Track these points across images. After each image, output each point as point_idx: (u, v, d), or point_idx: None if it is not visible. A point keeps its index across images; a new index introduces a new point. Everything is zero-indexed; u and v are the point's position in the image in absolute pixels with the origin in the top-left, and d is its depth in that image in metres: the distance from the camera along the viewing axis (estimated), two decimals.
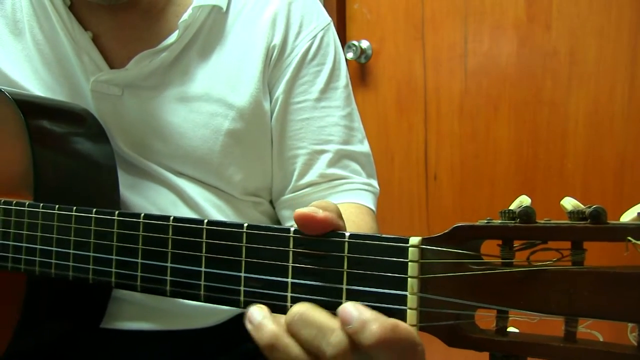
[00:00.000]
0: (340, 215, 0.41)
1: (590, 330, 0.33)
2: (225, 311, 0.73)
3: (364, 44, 1.67)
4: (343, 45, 1.66)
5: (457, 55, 1.55)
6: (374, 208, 0.76)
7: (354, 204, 0.74)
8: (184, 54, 0.72)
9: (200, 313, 0.72)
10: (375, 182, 0.79)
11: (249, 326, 0.40)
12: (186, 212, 0.71)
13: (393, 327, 0.35)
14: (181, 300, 0.69)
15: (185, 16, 0.69)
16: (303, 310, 0.38)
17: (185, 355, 0.73)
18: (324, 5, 1.72)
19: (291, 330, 0.38)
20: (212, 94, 0.71)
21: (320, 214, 0.40)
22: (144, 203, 0.70)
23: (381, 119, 1.69)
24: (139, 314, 0.70)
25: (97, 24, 0.71)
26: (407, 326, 0.36)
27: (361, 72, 1.71)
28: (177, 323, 0.71)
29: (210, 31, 0.72)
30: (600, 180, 1.39)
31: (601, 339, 0.33)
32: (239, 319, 0.62)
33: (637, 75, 1.34)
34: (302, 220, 0.40)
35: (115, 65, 0.71)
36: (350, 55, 1.66)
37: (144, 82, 0.71)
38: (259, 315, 0.39)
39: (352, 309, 0.36)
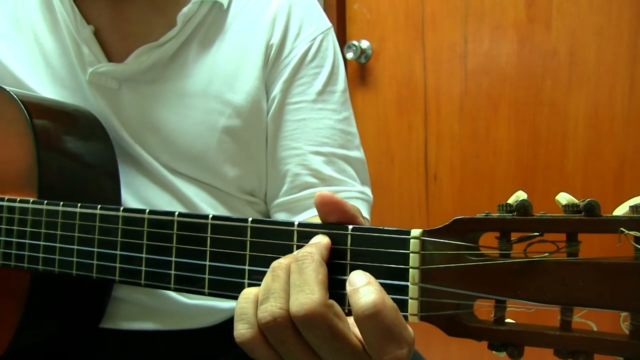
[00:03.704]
0: (361, 214, 0.43)
1: (585, 320, 0.34)
2: (225, 310, 0.73)
3: (364, 44, 1.67)
4: (343, 46, 1.67)
5: (457, 56, 1.55)
6: (368, 217, 0.76)
7: None
8: (183, 49, 0.72)
9: (200, 313, 0.72)
10: (369, 190, 0.78)
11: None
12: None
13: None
14: (181, 299, 0.69)
15: (184, 9, 0.70)
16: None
17: (184, 355, 0.73)
18: (324, 6, 1.72)
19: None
20: (209, 91, 0.71)
21: (340, 198, 0.41)
22: (140, 204, 0.70)
23: (381, 119, 1.69)
24: (139, 314, 0.70)
25: (99, 18, 0.71)
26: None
27: (361, 72, 1.71)
28: (177, 323, 0.71)
29: (210, 27, 0.73)
30: (600, 180, 1.40)
31: (595, 329, 0.34)
32: None
33: (637, 75, 1.34)
34: (321, 198, 0.41)
35: (114, 59, 0.71)
36: (350, 55, 1.66)
37: (143, 76, 0.71)
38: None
39: (361, 275, 0.38)
